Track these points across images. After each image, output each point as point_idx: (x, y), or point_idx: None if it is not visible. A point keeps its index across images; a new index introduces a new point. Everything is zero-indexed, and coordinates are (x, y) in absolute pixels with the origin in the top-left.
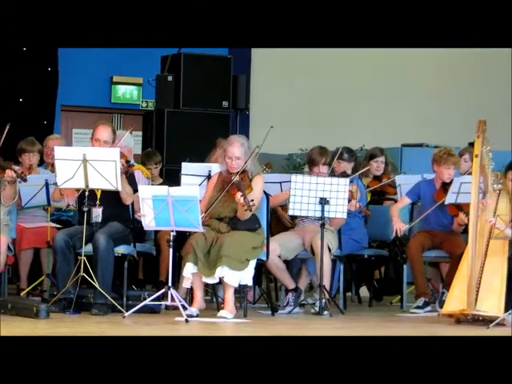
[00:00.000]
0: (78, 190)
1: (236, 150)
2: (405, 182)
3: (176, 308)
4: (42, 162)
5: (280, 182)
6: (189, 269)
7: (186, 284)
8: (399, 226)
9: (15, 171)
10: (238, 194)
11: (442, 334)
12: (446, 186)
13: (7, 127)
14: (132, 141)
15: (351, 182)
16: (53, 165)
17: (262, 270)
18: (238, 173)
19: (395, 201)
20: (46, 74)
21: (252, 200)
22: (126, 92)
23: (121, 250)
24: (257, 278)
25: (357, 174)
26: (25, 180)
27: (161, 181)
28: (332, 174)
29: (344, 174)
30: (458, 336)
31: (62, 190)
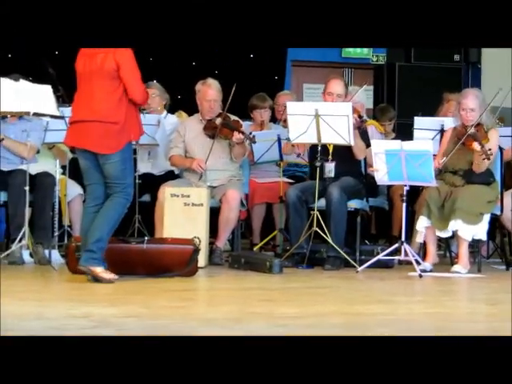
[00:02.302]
0: None
1: (470, 101)
2: None
3: (409, 263)
4: (273, 120)
5: None
6: (422, 222)
7: (419, 238)
8: None
9: (243, 133)
10: (476, 143)
11: None
12: None
13: (233, 88)
14: (364, 96)
15: None
16: (285, 120)
17: (495, 224)
18: (472, 125)
19: None
20: None
21: (490, 149)
22: None
23: (353, 204)
24: (490, 233)
25: None
26: (254, 142)
27: (393, 135)
28: None
29: None
30: None
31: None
